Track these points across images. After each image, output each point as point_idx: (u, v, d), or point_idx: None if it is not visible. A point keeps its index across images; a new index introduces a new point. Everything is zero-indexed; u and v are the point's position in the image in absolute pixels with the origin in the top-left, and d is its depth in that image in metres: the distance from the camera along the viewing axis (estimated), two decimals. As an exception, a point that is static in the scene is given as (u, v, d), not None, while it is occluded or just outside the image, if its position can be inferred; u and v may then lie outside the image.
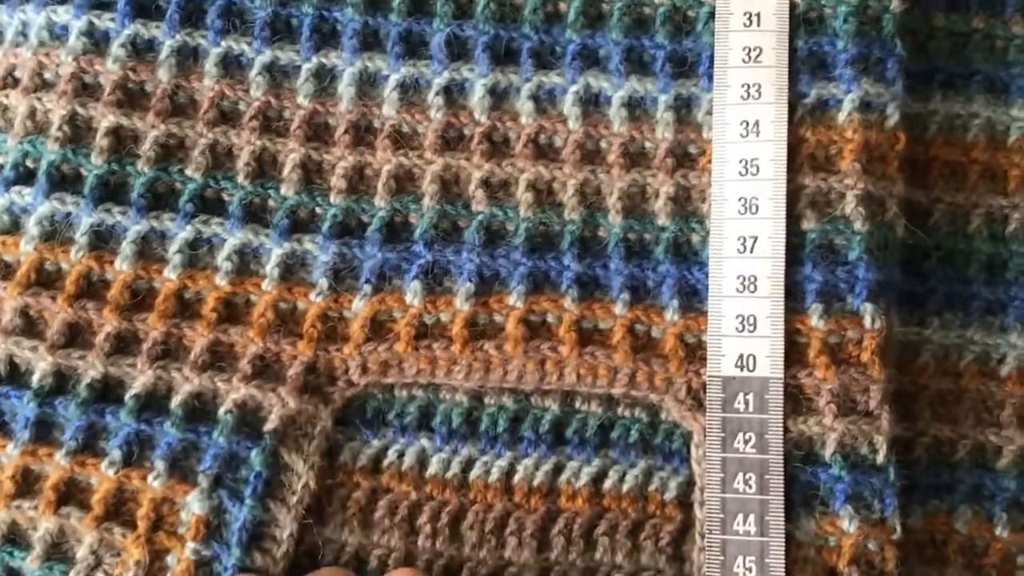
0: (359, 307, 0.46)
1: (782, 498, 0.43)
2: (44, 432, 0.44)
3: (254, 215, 0.47)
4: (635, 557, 0.44)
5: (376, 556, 0.44)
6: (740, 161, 0.46)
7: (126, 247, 0.46)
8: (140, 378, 0.45)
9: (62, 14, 0.48)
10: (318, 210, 0.47)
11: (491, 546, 0.44)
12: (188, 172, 0.47)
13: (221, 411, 0.44)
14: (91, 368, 0.45)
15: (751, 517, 0.43)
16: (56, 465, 0.44)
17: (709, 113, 0.46)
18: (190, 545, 0.43)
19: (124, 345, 0.45)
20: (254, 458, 0.44)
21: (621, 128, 0.47)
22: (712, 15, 0.47)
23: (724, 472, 0.43)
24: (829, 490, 0.43)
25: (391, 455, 0.46)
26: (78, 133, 0.47)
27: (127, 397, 0.45)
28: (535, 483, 0.45)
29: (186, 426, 0.44)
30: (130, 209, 0.46)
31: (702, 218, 0.46)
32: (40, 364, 0.45)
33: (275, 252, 0.46)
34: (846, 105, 0.46)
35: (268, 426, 0.44)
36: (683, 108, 0.47)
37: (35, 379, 0.45)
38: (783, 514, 0.43)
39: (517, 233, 0.46)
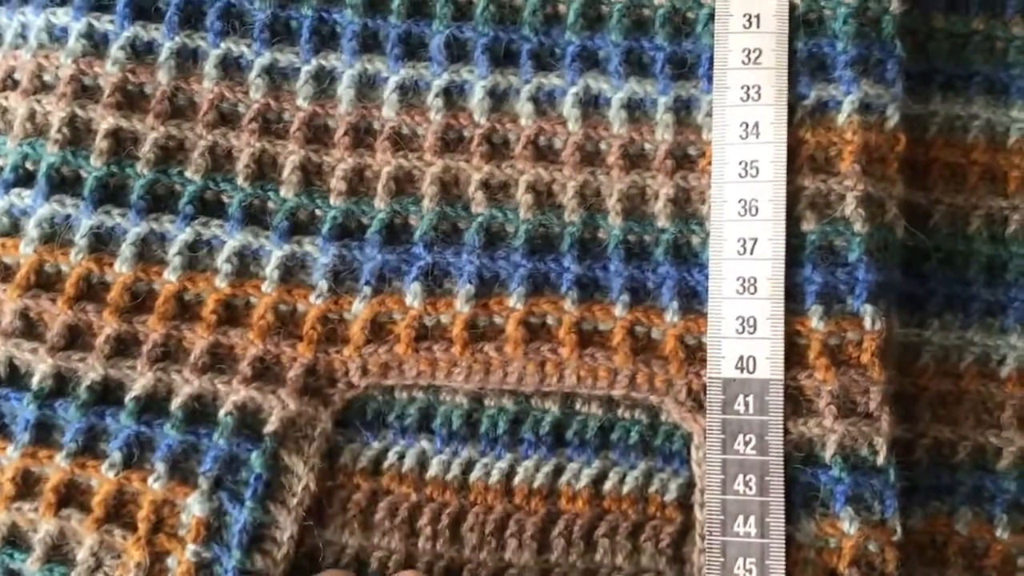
0: (359, 309, 0.46)
1: (782, 500, 0.43)
2: (44, 434, 0.44)
3: (254, 217, 0.47)
4: (635, 559, 0.44)
5: (376, 558, 0.44)
6: (740, 163, 0.46)
7: (126, 249, 0.46)
8: (140, 380, 0.45)
9: (61, 16, 0.48)
10: (318, 212, 0.47)
11: (491, 548, 0.44)
12: (188, 174, 0.47)
13: (221, 413, 0.44)
14: (91, 370, 0.45)
15: (751, 519, 0.43)
16: (56, 467, 0.44)
17: (709, 115, 0.46)
18: (190, 547, 0.43)
19: (124, 347, 0.45)
20: (254, 460, 0.44)
21: (621, 130, 0.47)
22: (712, 17, 0.47)
23: (724, 474, 0.43)
24: (829, 492, 0.43)
25: (391, 457, 0.46)
26: (78, 135, 0.47)
27: (127, 399, 0.45)
28: (535, 485, 0.45)
29: (186, 428, 0.44)
30: (130, 211, 0.46)
31: (702, 220, 0.46)
32: (40, 366, 0.45)
33: (275, 254, 0.46)
34: (846, 107, 0.46)
35: (268, 428, 0.44)
36: (683, 110, 0.47)
37: (35, 381, 0.45)
38: (783, 516, 0.43)
39: (517, 235, 0.46)
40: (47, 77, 0.48)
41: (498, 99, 0.48)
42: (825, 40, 0.47)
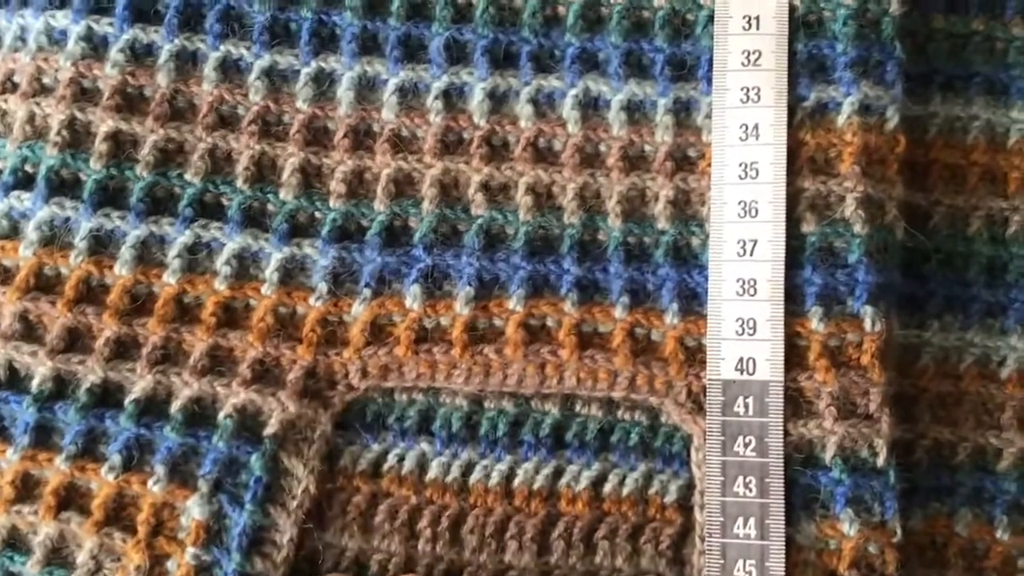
0: (359, 311, 0.46)
1: (782, 501, 0.43)
2: (44, 437, 0.44)
3: (253, 219, 0.47)
4: (635, 561, 0.44)
5: (376, 560, 0.44)
6: (740, 164, 0.46)
7: (125, 252, 0.46)
8: (140, 383, 0.45)
9: (60, 19, 0.48)
10: (317, 214, 0.47)
11: (491, 550, 0.44)
12: (187, 176, 0.47)
13: (221, 416, 0.44)
14: (91, 373, 0.45)
15: (751, 520, 0.43)
16: (56, 470, 0.44)
17: (708, 116, 0.46)
18: (190, 550, 0.43)
19: (124, 350, 0.45)
20: (254, 463, 0.44)
21: (620, 131, 0.47)
22: (711, 18, 0.47)
23: (724, 475, 0.43)
24: (829, 493, 0.43)
25: (391, 459, 0.46)
26: (77, 138, 0.47)
27: (127, 402, 0.44)
28: (535, 487, 0.45)
29: (186, 431, 0.44)
30: (129, 214, 0.46)
31: (702, 221, 0.46)
32: (39, 369, 0.45)
33: (274, 256, 0.46)
34: (845, 108, 0.46)
35: (268, 430, 0.44)
36: (682, 111, 0.47)
37: (35, 384, 0.45)
38: (783, 517, 0.43)
39: (517, 237, 0.46)
40: (46, 80, 0.48)
41: (498, 101, 0.48)
42: (825, 42, 0.46)
